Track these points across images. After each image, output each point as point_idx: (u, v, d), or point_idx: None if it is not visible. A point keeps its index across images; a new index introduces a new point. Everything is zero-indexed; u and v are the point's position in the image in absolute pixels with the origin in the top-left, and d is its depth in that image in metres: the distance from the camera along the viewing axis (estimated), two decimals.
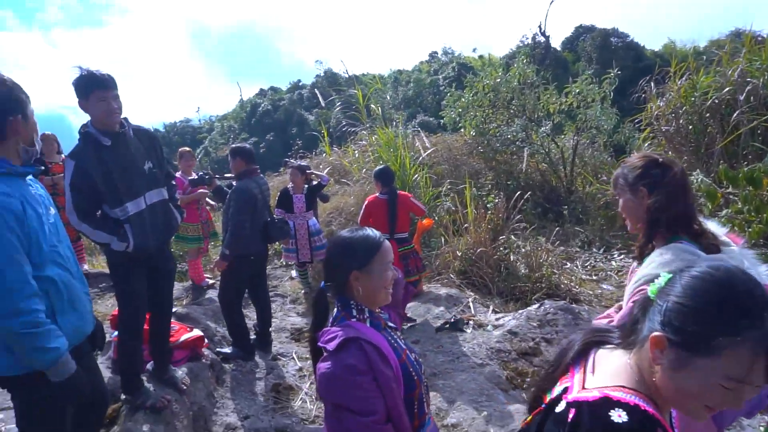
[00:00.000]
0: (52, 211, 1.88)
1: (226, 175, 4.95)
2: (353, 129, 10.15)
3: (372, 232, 1.61)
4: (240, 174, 4.04)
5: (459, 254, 6.01)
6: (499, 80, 9.48)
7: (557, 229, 7.20)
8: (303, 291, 6.05)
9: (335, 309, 1.59)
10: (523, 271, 5.85)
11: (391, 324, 1.67)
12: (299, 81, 47.69)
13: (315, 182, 5.86)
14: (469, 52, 45.90)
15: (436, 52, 49.84)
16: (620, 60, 19.74)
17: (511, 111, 9.45)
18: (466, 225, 6.23)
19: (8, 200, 1.62)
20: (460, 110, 9.77)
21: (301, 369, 4.04)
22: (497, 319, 4.84)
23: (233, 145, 4.24)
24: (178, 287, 5.40)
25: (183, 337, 3.47)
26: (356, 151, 9.48)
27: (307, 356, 4.32)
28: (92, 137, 2.58)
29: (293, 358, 4.25)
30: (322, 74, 43.33)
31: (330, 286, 1.61)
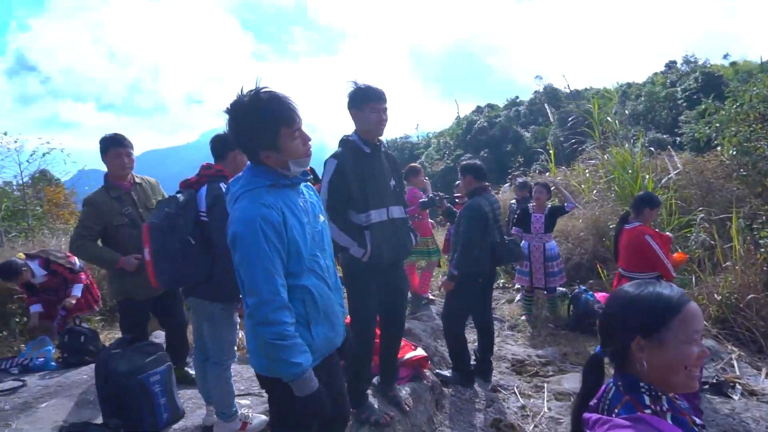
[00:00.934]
0: (321, 218, 1.91)
1: (455, 195, 4.92)
2: (581, 147, 9.36)
3: (671, 289, 1.18)
4: (471, 191, 3.91)
5: (718, 298, 4.96)
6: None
7: None
8: (523, 317, 5.67)
9: (612, 386, 1.21)
10: None
11: (698, 421, 1.21)
12: (516, 98, 47.05)
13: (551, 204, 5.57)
14: (717, 59, 39.77)
15: (674, 62, 44.43)
16: None
17: None
18: (727, 263, 5.13)
19: (269, 212, 1.65)
20: (717, 125, 8.25)
21: (523, 407, 3.68)
22: None
23: (463, 162, 4.10)
24: None
25: (408, 355, 3.42)
26: (586, 171, 8.67)
27: (530, 393, 3.95)
28: (354, 144, 2.80)
29: (515, 392, 3.91)
30: (542, 90, 42.01)
31: (606, 353, 1.24)
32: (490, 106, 48.06)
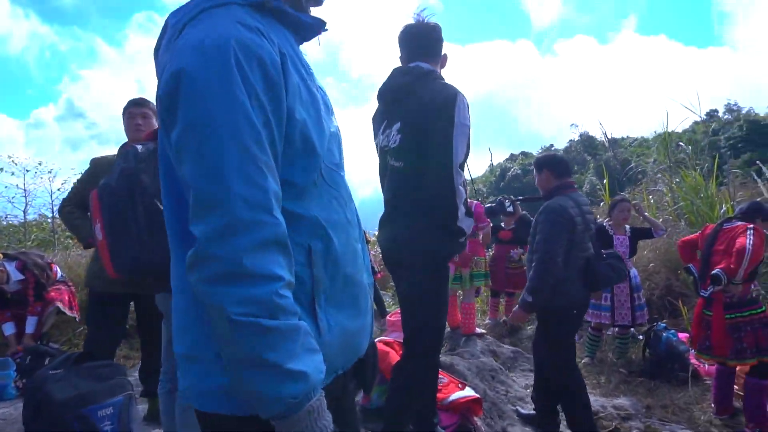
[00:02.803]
0: (335, 121, 1.10)
1: (531, 196, 3.97)
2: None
3: None
4: (551, 191, 3.01)
5: None
6: None
7: None
8: (585, 359, 4.67)
9: None
10: None
11: None
12: (551, 145, 46.56)
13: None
14: (761, 108, 38.69)
15: (716, 110, 43.36)
16: None
17: None
18: None
19: (254, 37, 0.84)
20: None
21: None
22: None
23: (538, 155, 3.30)
24: None
25: (454, 396, 2.55)
26: (651, 197, 7.64)
27: None
28: None
29: None
30: (577, 138, 41.33)
31: None
32: (524, 153, 47.58)
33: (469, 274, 4.62)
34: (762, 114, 41.10)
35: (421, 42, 2.27)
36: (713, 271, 3.21)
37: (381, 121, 2.30)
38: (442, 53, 2.33)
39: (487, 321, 6.20)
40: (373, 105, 2.41)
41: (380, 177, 2.35)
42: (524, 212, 3.42)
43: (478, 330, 4.76)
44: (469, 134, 2.07)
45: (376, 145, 2.34)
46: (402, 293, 2.27)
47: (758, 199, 3.80)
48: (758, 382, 3.24)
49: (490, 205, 3.61)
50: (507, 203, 3.40)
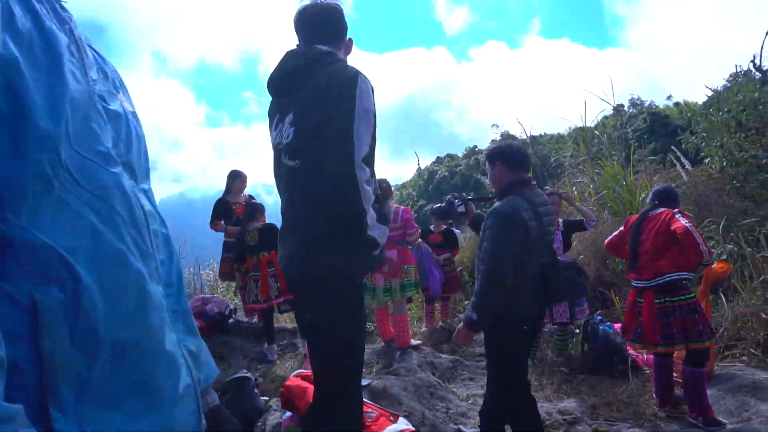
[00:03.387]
0: None
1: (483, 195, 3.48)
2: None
3: None
4: (504, 188, 2.51)
5: (764, 316, 3.95)
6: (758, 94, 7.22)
7: None
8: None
9: None
10: None
11: None
12: (475, 146, 47.56)
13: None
14: (661, 101, 41.61)
15: (622, 105, 46.05)
16: None
17: None
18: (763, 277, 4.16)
19: None
20: (704, 134, 7.61)
21: None
22: None
23: (491, 147, 2.88)
24: (367, 350, 4.27)
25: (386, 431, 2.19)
26: (574, 189, 7.75)
27: None
28: None
29: None
30: (499, 137, 42.47)
31: None
32: (449, 156, 48.36)
33: (399, 284, 4.32)
34: (662, 107, 44.17)
35: (320, 24, 1.88)
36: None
37: (273, 114, 1.92)
38: (347, 38, 1.97)
39: (423, 328, 5.95)
40: None
41: (275, 181, 1.95)
42: (479, 211, 2.94)
43: (413, 341, 4.47)
44: (374, 123, 1.69)
45: (271, 143, 1.95)
46: (307, 322, 1.86)
47: (671, 185, 3.78)
48: (694, 370, 3.17)
49: (439, 205, 3.18)
50: (457, 202, 2.94)
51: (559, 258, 2.65)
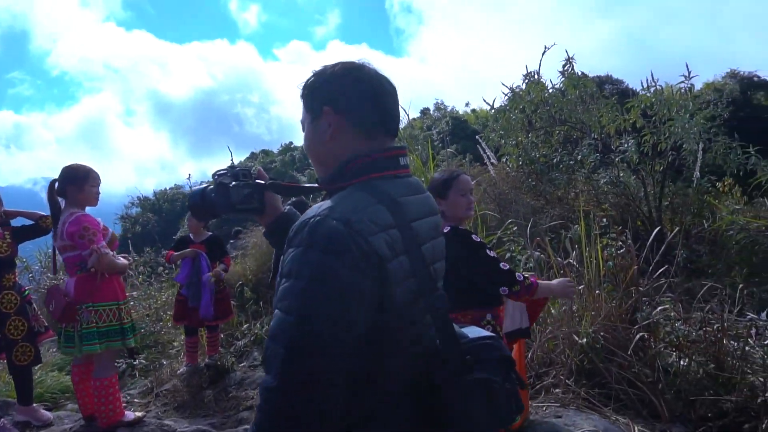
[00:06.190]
0: None
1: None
2: None
3: None
4: (337, 171, 1.12)
5: (581, 341, 3.35)
6: (547, 94, 7.23)
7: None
8: None
9: None
10: (698, 369, 3.19)
11: None
12: (291, 143, 46.48)
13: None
14: (461, 107, 45.25)
15: (428, 108, 49.09)
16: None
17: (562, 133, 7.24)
18: (581, 286, 3.60)
19: None
20: (502, 132, 7.44)
21: None
22: None
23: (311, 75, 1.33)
24: None
25: None
26: None
27: None
28: None
29: None
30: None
31: None
32: (264, 152, 46.58)
33: (79, 332, 2.78)
34: (461, 112, 48.18)
35: None
36: None
37: None
38: None
39: (183, 368, 4.49)
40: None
41: None
42: (289, 208, 1.46)
43: (130, 414, 2.98)
44: None
45: None
46: None
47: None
48: None
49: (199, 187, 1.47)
50: (238, 185, 1.29)
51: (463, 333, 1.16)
